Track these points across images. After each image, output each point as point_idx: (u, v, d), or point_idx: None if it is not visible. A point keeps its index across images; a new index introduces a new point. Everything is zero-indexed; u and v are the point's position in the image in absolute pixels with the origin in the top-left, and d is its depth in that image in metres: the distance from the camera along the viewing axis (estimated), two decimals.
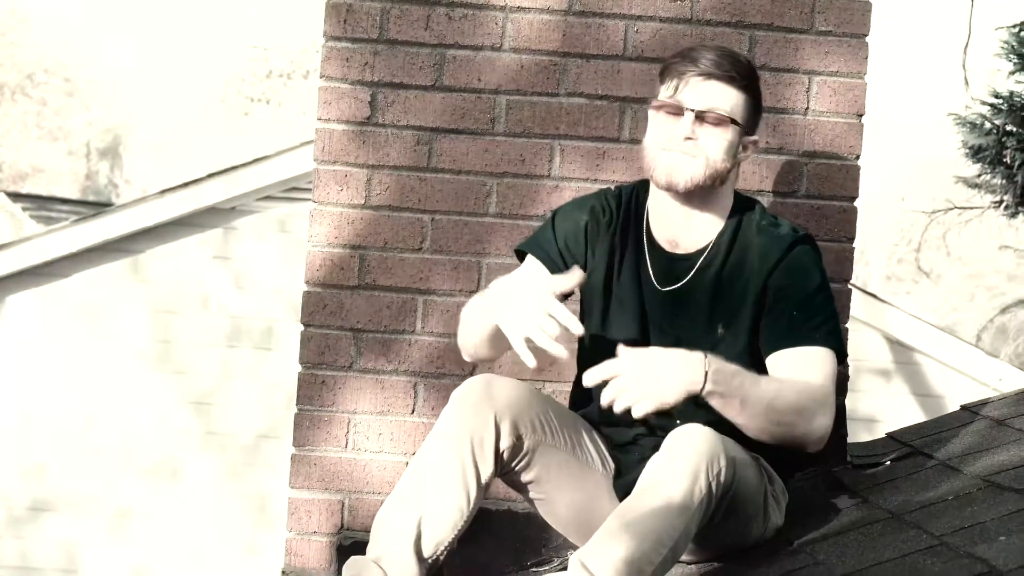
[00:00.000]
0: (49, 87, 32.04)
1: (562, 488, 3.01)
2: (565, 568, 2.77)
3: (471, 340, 3.04)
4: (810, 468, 3.36)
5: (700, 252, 3.06)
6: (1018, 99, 6.88)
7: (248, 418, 9.35)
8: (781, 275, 3.00)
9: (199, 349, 9.33)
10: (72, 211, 14.20)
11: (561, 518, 3.07)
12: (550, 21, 3.46)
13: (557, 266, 3.07)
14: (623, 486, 2.96)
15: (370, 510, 3.32)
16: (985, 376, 9.29)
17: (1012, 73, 7.04)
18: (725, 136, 3.00)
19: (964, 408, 3.68)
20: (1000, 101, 6.95)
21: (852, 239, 3.49)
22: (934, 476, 3.17)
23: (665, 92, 3.02)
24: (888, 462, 3.41)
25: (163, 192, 9.40)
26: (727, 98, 2.99)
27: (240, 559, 9.33)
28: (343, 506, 3.44)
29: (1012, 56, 6.97)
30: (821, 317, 2.99)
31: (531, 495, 3.04)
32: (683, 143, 2.98)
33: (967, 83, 7.62)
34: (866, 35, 3.48)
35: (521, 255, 3.17)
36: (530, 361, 2.78)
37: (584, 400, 3.13)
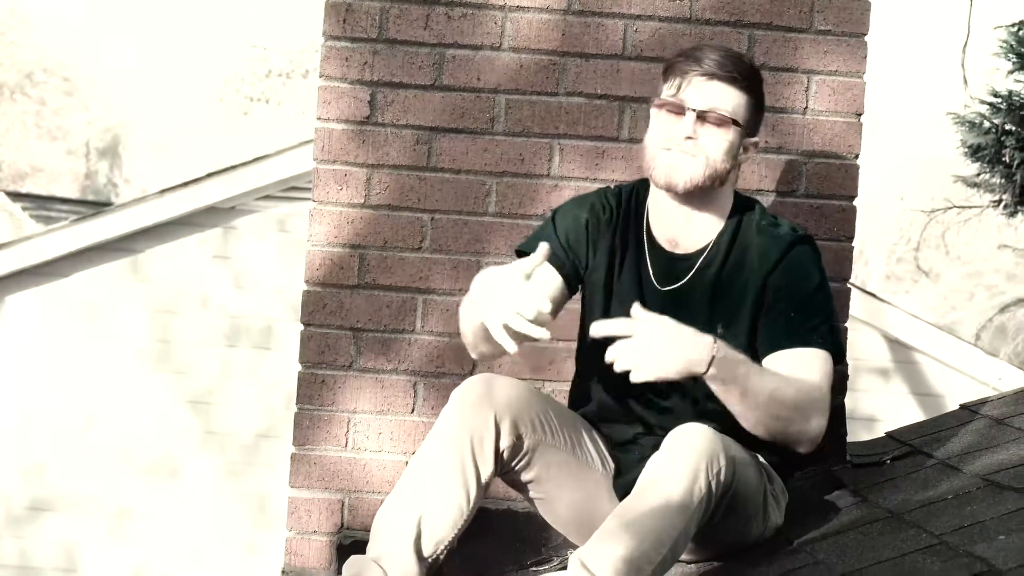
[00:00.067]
0: (48, 86, 32.03)
1: (562, 487, 3.01)
2: (565, 567, 2.77)
3: (470, 336, 3.04)
4: (810, 467, 3.36)
5: (700, 252, 3.06)
6: (1017, 98, 6.88)
7: (248, 417, 9.35)
8: (780, 275, 3.01)
9: (199, 349, 9.33)
10: (71, 211, 14.20)
11: (561, 517, 3.07)
12: (549, 20, 3.46)
13: (560, 261, 3.07)
14: (623, 485, 2.96)
15: (370, 509, 3.32)
16: (984, 375, 9.29)
17: (1011, 72, 7.03)
18: (726, 137, 3.00)
19: (963, 407, 3.68)
20: (999, 100, 6.94)
21: (851, 238, 3.50)
22: (933, 475, 3.17)
23: (668, 91, 3.03)
24: (888, 461, 3.41)
25: (162, 192, 9.39)
26: (729, 99, 3.00)
27: (240, 559, 9.33)
28: (343, 505, 3.44)
29: (1011, 55, 6.96)
30: (819, 318, 2.99)
31: (531, 494, 3.04)
32: (684, 142, 2.98)
33: (966, 82, 7.62)
34: (865, 34, 3.49)
35: (521, 255, 3.16)
36: (511, 347, 2.76)
37: (583, 399, 3.14)
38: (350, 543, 3.37)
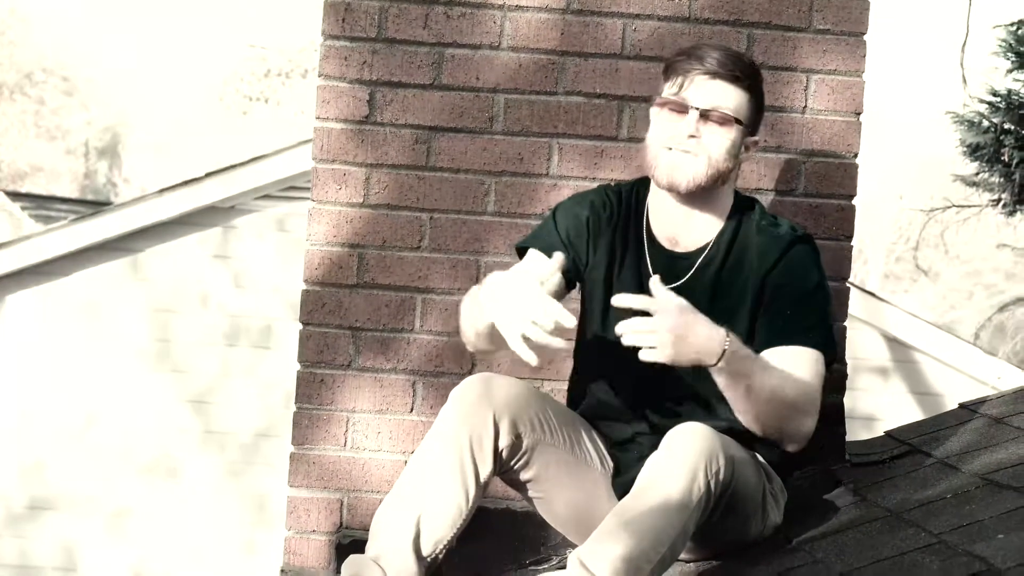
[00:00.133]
0: (48, 86, 32.02)
1: (561, 487, 3.01)
2: (564, 566, 2.77)
3: (471, 334, 3.04)
4: (809, 467, 3.36)
5: (700, 251, 3.07)
6: (1016, 97, 6.87)
7: (247, 417, 9.35)
8: (779, 274, 3.01)
9: (198, 348, 9.33)
10: (71, 210, 14.18)
11: (560, 516, 3.07)
12: (548, 20, 3.46)
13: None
14: (622, 484, 2.96)
15: (369, 509, 3.32)
16: (983, 374, 9.29)
17: (1010, 71, 7.02)
18: (728, 135, 3.00)
19: (962, 406, 3.68)
20: (998, 99, 6.93)
21: (850, 237, 3.50)
22: (932, 474, 3.17)
23: (669, 90, 3.03)
24: (887, 460, 3.41)
25: (162, 191, 9.39)
26: (731, 97, 3.00)
27: (239, 558, 9.33)
28: (342, 505, 3.44)
29: (1010, 54, 6.96)
30: (815, 318, 2.99)
31: (530, 494, 3.04)
32: (686, 141, 2.98)
33: (965, 81, 7.61)
34: (864, 33, 3.49)
35: (521, 252, 3.16)
36: (531, 359, 2.77)
37: (581, 397, 3.14)
38: (349, 542, 3.37)
